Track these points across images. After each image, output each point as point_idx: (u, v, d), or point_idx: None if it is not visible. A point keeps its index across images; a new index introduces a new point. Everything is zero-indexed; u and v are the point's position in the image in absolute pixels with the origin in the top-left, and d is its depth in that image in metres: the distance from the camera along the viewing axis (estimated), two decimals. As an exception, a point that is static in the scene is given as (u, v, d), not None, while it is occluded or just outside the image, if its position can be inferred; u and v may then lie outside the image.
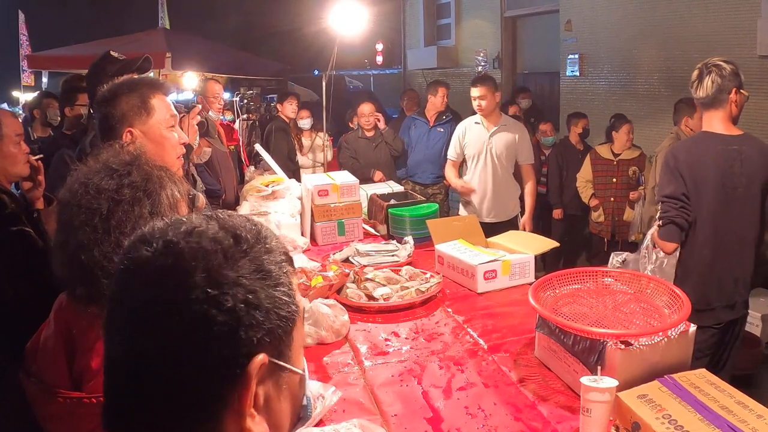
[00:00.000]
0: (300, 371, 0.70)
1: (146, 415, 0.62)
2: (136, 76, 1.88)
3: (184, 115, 2.33)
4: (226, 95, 7.12)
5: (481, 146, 3.98)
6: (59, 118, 4.82)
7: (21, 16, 10.24)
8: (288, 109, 5.60)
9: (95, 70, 2.28)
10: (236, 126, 6.26)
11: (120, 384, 0.64)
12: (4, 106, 11.16)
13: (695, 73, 2.53)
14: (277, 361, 0.66)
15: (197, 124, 2.71)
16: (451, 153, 4.15)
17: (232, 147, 5.44)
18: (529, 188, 4.11)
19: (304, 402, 0.73)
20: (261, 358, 0.63)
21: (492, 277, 2.44)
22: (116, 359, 0.64)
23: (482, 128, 4.00)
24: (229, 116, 7.35)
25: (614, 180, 4.92)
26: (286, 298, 0.67)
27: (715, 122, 2.47)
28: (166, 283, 0.61)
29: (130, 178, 1.17)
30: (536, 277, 2.10)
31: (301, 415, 0.73)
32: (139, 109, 1.71)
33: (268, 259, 0.66)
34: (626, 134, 4.87)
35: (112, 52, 2.37)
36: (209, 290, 0.60)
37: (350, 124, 5.67)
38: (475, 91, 3.93)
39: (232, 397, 0.62)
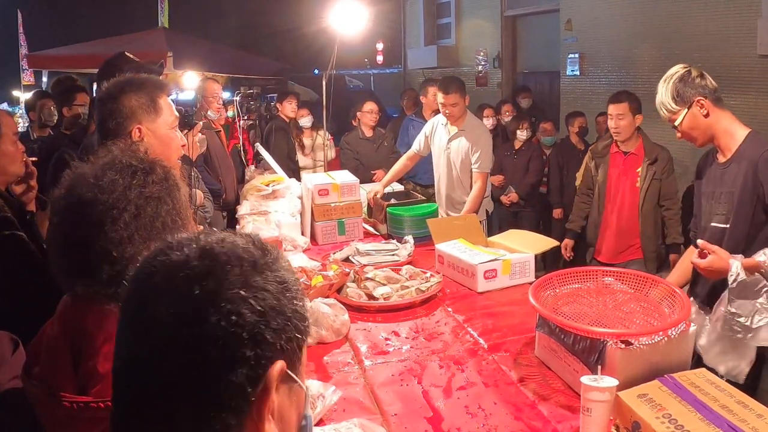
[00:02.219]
0: (305, 388, 0.74)
1: (169, 415, 0.63)
2: (139, 75, 1.88)
3: (186, 132, 2.32)
4: (226, 94, 7.11)
5: (441, 148, 3.91)
6: (56, 118, 4.83)
7: (20, 16, 10.26)
8: (287, 108, 5.60)
9: (110, 68, 2.27)
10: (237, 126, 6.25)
11: (140, 384, 0.64)
12: (4, 105, 11.17)
13: (695, 71, 2.16)
14: (290, 372, 0.69)
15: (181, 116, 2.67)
16: (415, 145, 4.06)
17: (239, 145, 5.43)
18: (472, 191, 3.79)
19: (304, 422, 0.75)
20: (281, 364, 0.66)
21: (492, 276, 2.44)
22: (138, 358, 0.65)
23: (445, 131, 3.90)
24: (229, 112, 7.33)
25: None
26: (303, 313, 0.71)
27: (736, 121, 2.19)
28: (204, 283, 0.64)
29: (154, 175, 1.17)
30: (536, 277, 2.10)
31: None
32: (148, 107, 1.72)
33: (288, 274, 0.71)
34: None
35: (127, 53, 2.38)
36: (242, 291, 0.64)
37: (353, 122, 5.68)
38: (442, 98, 3.69)
39: (253, 399, 0.64)
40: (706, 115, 2.11)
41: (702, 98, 2.10)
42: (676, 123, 2.15)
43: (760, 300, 1.82)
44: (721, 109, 2.14)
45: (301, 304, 0.71)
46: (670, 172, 3.55)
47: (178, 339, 0.62)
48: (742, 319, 1.84)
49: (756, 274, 1.85)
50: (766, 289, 1.82)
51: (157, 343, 0.63)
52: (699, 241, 2.01)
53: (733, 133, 2.14)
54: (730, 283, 1.86)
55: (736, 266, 1.85)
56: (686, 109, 2.12)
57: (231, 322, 0.62)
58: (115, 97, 1.71)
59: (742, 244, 2.08)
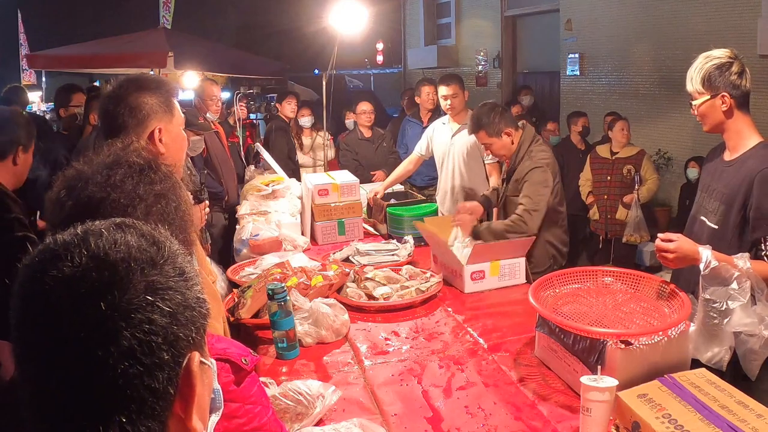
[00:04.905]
0: (212, 364, 0.72)
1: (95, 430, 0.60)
2: (148, 75, 1.88)
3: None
4: (226, 95, 7.11)
5: (445, 148, 3.86)
6: None
7: (20, 15, 10.27)
8: (287, 108, 5.60)
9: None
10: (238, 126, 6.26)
11: (57, 415, 0.60)
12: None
13: (738, 66, 2.05)
14: (202, 358, 0.68)
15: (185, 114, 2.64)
16: (418, 148, 4.03)
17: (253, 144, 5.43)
18: (491, 182, 3.74)
19: (213, 396, 0.75)
20: (197, 356, 0.65)
21: (480, 278, 2.43)
22: (52, 388, 0.60)
23: (447, 129, 3.88)
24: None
25: (608, 178, 4.93)
26: (202, 296, 0.69)
27: (753, 128, 2.13)
28: (109, 297, 0.60)
29: (160, 173, 1.16)
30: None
31: (211, 406, 0.75)
32: (165, 106, 1.72)
33: (182, 260, 0.68)
34: (620, 131, 4.89)
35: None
36: (149, 296, 0.61)
37: (346, 120, 5.66)
38: (445, 90, 3.74)
39: (175, 399, 0.63)
40: (725, 112, 2.05)
41: (728, 95, 2.02)
42: (695, 103, 2.11)
43: (733, 285, 1.83)
44: (743, 113, 2.09)
45: (199, 288, 0.68)
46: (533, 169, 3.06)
47: (92, 361, 0.58)
48: (717, 305, 1.84)
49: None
50: (737, 275, 1.83)
51: (71, 370, 0.59)
52: (660, 234, 1.99)
53: (744, 137, 2.10)
54: (702, 270, 1.85)
55: (706, 254, 1.85)
56: (709, 97, 2.05)
57: (144, 331, 0.60)
58: (131, 93, 1.68)
59: (733, 248, 2.01)
